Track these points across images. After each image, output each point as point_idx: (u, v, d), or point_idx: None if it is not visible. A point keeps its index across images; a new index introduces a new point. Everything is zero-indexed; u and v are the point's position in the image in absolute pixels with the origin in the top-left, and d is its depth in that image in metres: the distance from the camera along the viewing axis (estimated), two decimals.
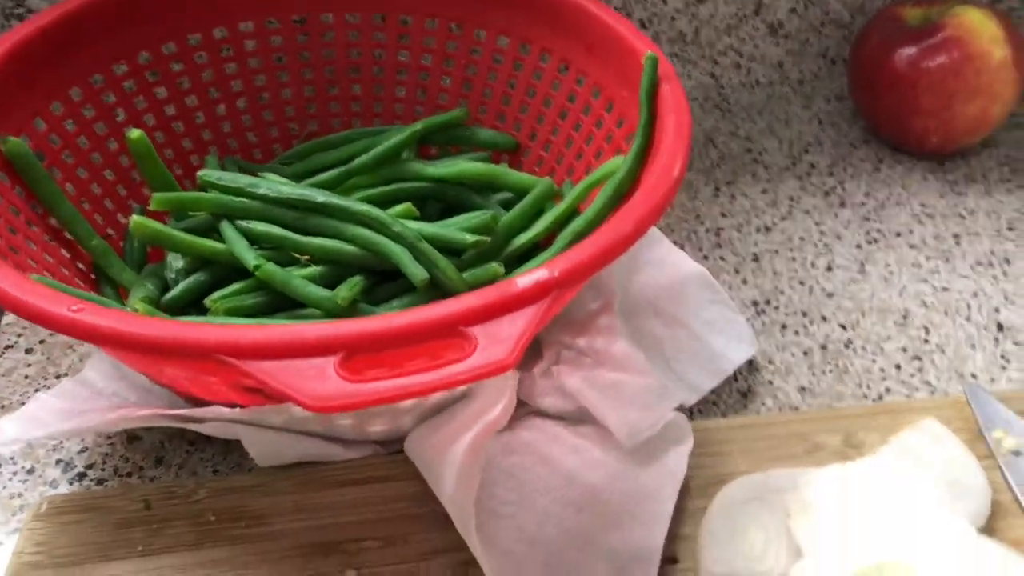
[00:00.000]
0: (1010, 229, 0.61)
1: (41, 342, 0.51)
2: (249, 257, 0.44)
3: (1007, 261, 0.58)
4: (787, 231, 0.60)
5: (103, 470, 0.44)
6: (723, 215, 0.61)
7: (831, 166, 0.66)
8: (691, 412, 0.48)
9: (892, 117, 0.64)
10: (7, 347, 0.51)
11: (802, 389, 0.50)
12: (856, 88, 0.67)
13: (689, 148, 0.41)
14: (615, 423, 0.42)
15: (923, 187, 0.64)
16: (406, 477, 0.42)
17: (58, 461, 0.45)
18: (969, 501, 0.41)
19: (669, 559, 0.40)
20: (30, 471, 0.44)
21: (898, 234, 0.60)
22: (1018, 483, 0.43)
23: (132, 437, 0.46)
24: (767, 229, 0.60)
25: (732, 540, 0.40)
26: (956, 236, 0.60)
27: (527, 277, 0.34)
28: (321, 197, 0.45)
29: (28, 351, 0.50)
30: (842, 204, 0.62)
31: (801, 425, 0.46)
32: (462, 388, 0.42)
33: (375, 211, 0.45)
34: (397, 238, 0.44)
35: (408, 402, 0.40)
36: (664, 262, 0.52)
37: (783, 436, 0.45)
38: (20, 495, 0.43)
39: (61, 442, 0.46)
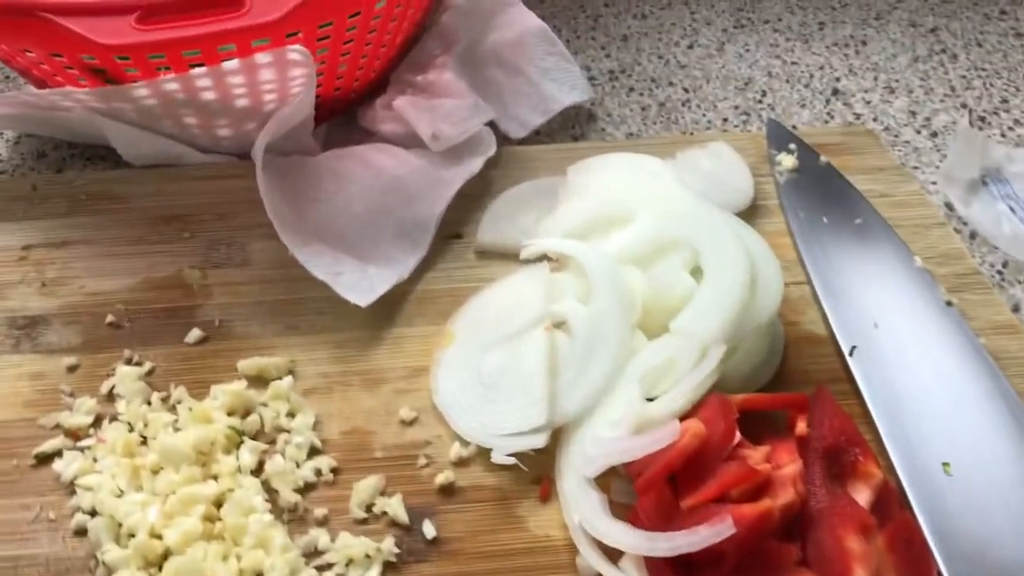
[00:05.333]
0: (876, 19, 0.64)
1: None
2: None
3: (863, 43, 0.62)
4: (661, 18, 0.65)
5: (13, 175, 0.53)
6: (606, 5, 0.66)
7: None
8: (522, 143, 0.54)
9: None
10: None
11: (630, 135, 0.55)
12: None
13: None
14: (424, 130, 0.48)
15: None
16: (249, 176, 0.49)
17: None
18: (729, 194, 0.47)
19: (455, 235, 0.47)
20: None
21: (767, 21, 0.64)
22: (786, 194, 0.48)
23: (40, 155, 0.54)
24: (643, 16, 0.65)
25: (509, 217, 0.46)
26: (822, 24, 0.64)
27: None
28: None
29: None
30: None
31: (602, 150, 0.51)
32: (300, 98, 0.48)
33: None
34: None
35: (244, 104, 0.47)
36: (514, 23, 0.57)
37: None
38: None
39: None
